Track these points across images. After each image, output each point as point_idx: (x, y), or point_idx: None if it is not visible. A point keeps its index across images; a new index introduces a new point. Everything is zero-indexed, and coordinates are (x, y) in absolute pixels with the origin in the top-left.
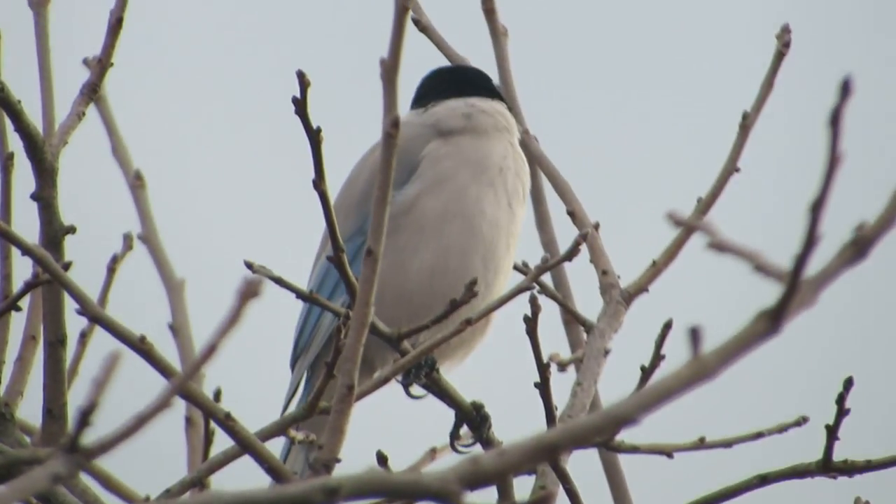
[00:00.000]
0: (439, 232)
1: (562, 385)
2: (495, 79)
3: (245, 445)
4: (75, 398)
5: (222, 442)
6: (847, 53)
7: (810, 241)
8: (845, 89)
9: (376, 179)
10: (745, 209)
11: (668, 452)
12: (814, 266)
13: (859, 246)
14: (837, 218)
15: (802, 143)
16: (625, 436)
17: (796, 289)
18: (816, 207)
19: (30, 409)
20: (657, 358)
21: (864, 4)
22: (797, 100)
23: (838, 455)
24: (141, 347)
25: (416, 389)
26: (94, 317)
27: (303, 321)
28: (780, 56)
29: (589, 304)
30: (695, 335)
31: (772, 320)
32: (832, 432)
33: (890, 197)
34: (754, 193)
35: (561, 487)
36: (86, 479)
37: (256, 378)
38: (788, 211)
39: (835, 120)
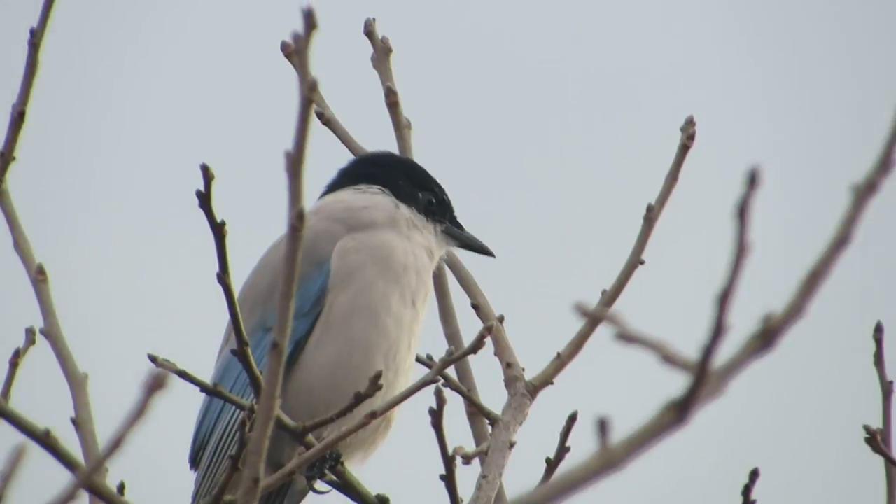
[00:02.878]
0: (346, 326)
1: (467, 478)
2: None
3: None
4: None
5: None
6: (752, 143)
7: (718, 332)
8: (752, 180)
9: (281, 273)
10: (651, 301)
11: None
12: (721, 357)
13: (767, 336)
14: (745, 308)
15: (708, 234)
16: None
17: (704, 379)
18: (724, 298)
19: None
20: (562, 450)
21: (767, 95)
22: (702, 191)
23: None
24: (46, 441)
25: (320, 484)
26: None
27: (202, 416)
28: (684, 149)
29: (494, 396)
30: (603, 426)
31: (679, 411)
32: None
33: (797, 287)
34: (659, 285)
35: None
36: None
37: (159, 472)
38: (694, 302)
39: (742, 210)
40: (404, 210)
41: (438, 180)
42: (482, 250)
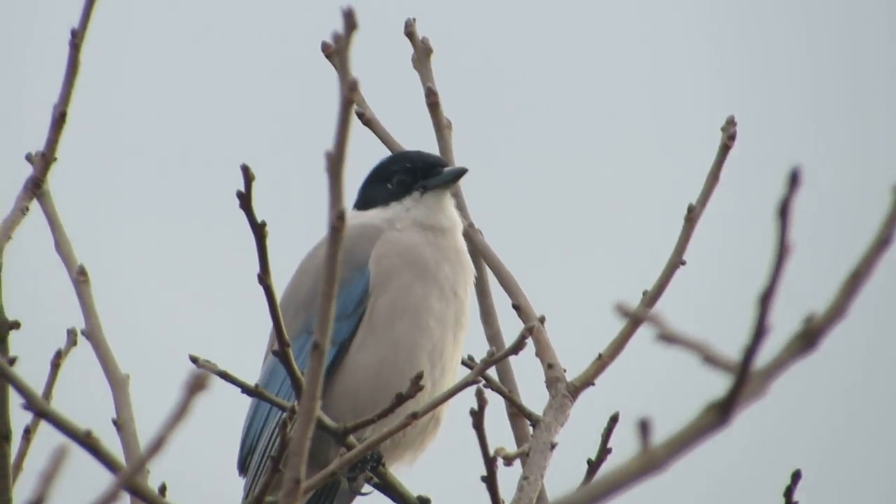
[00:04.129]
0: (389, 327)
1: (508, 479)
2: None
3: None
4: (20, 494)
5: None
6: (793, 144)
7: (759, 333)
8: (794, 180)
9: (322, 273)
10: (692, 302)
11: None
12: (763, 357)
13: (809, 337)
14: (787, 309)
15: (749, 234)
16: None
17: (746, 380)
18: (765, 298)
19: None
20: (604, 451)
21: (809, 96)
22: (744, 191)
23: None
24: (87, 442)
25: (362, 485)
26: (41, 411)
27: (249, 421)
28: (725, 149)
29: (535, 397)
30: (644, 427)
31: (721, 412)
32: None
33: (839, 288)
34: (701, 286)
35: None
36: None
37: (201, 473)
38: (736, 303)
39: (784, 210)
40: (371, 217)
41: (396, 154)
42: (458, 176)
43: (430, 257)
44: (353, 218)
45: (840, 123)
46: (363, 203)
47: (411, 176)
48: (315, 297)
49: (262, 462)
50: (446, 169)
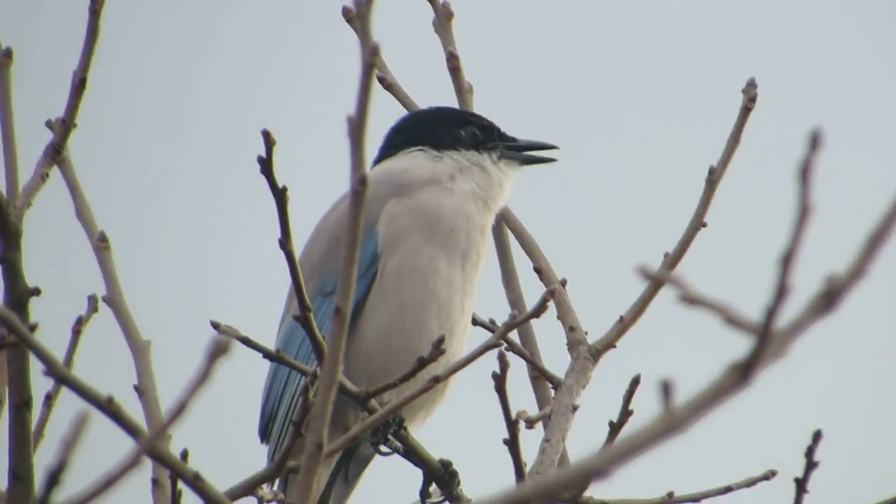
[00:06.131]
0: (397, 289)
1: (530, 442)
2: None
3: None
4: (41, 461)
5: (190, 503)
6: (815, 105)
7: (781, 293)
8: (814, 141)
9: (344, 237)
10: (713, 264)
11: None
12: (785, 318)
13: (830, 297)
14: (808, 270)
15: (770, 196)
16: (594, 492)
17: (767, 341)
18: (787, 259)
19: None
20: (625, 413)
21: (832, 56)
22: (764, 152)
23: None
24: (108, 408)
25: (384, 447)
26: (62, 378)
27: (268, 388)
28: (746, 111)
29: (557, 360)
30: (666, 388)
31: (743, 373)
32: (801, 486)
33: (859, 248)
34: (722, 248)
35: None
36: None
37: (223, 439)
38: (757, 265)
39: (805, 172)
40: (448, 160)
41: (463, 111)
42: (542, 153)
43: (447, 222)
44: (429, 158)
45: (861, 80)
46: (436, 143)
47: (488, 134)
48: (328, 260)
49: (283, 427)
50: (526, 142)
